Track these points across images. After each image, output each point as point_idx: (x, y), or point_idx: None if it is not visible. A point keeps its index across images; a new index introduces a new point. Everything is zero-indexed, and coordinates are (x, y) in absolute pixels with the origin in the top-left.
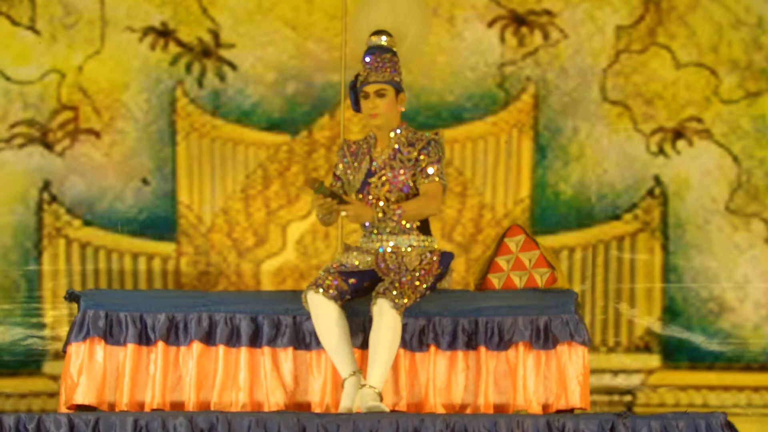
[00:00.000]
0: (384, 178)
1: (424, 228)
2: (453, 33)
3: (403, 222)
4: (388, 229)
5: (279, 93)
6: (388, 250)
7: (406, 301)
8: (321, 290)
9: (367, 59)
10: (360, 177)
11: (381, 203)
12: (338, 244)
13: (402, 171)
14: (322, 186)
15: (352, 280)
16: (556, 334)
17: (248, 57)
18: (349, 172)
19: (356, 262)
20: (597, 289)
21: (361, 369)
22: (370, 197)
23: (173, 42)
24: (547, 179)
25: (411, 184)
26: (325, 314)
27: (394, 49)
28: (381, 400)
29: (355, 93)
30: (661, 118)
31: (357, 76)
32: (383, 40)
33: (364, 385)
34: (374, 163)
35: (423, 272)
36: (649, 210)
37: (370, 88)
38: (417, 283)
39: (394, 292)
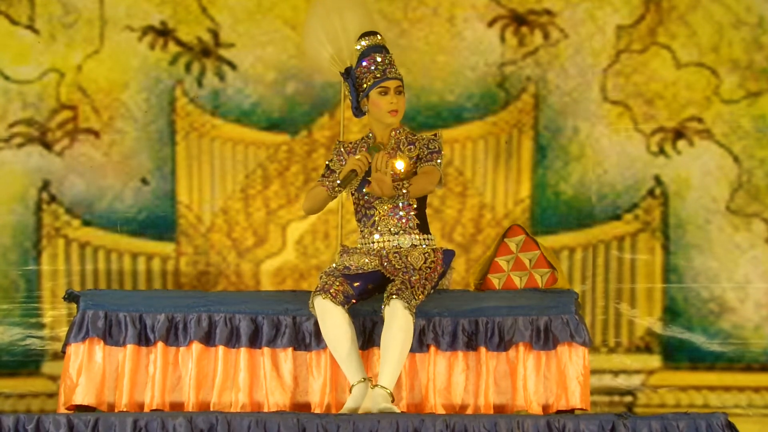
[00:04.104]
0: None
1: (424, 226)
2: (453, 33)
3: (403, 217)
4: (388, 228)
5: (279, 93)
6: (392, 250)
7: (417, 302)
8: (329, 296)
9: (375, 56)
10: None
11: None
12: (338, 245)
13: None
14: (375, 150)
15: (356, 284)
16: (556, 334)
17: (248, 56)
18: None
19: (361, 264)
20: (597, 289)
21: None
22: (369, 196)
23: (173, 41)
24: (547, 179)
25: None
26: (333, 320)
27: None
28: (393, 400)
29: (357, 92)
30: (662, 118)
31: (348, 70)
32: (379, 39)
33: (375, 386)
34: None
35: (429, 271)
36: (649, 210)
37: (391, 84)
38: (424, 282)
39: (408, 294)
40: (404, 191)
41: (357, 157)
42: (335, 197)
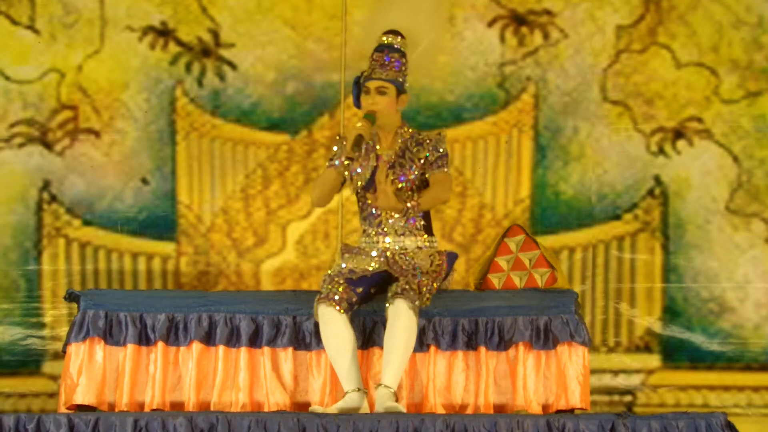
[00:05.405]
0: (393, 176)
1: (428, 227)
2: (453, 33)
3: (410, 218)
4: (394, 229)
5: (279, 93)
6: (397, 251)
7: (421, 303)
8: (333, 303)
9: (375, 56)
10: (366, 173)
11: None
12: (338, 244)
13: (412, 169)
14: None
15: (359, 289)
16: (556, 334)
17: (248, 56)
18: (350, 166)
19: (366, 267)
20: (597, 289)
21: (361, 368)
22: (379, 190)
23: (173, 41)
24: (547, 179)
25: (419, 182)
26: (336, 327)
27: (404, 50)
28: (396, 399)
29: (359, 88)
30: (662, 118)
31: (363, 72)
32: (395, 39)
33: (379, 385)
34: (380, 160)
35: (435, 274)
36: (649, 210)
37: (372, 84)
38: (431, 285)
39: (412, 294)
40: (414, 203)
41: (358, 124)
42: (344, 172)
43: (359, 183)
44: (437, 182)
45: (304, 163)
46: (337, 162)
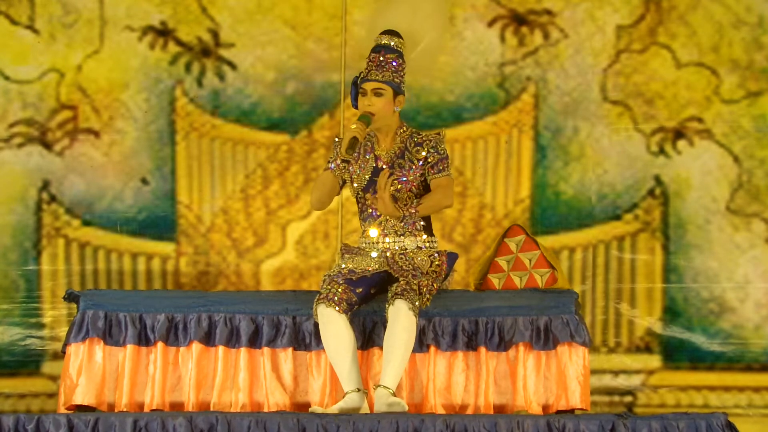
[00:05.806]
0: (393, 178)
1: (428, 228)
2: (453, 33)
3: (411, 219)
4: (394, 230)
5: (279, 93)
6: (397, 251)
7: (421, 303)
8: (333, 304)
9: (371, 56)
10: (366, 174)
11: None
12: (338, 244)
13: (412, 170)
14: (366, 119)
15: (359, 290)
16: (556, 334)
17: (248, 56)
18: (351, 168)
19: (366, 267)
20: (597, 289)
21: (361, 368)
22: (377, 195)
23: (173, 41)
24: (547, 179)
25: (418, 183)
26: (335, 328)
27: (401, 51)
28: None
29: (356, 89)
30: (662, 118)
31: (360, 73)
32: (391, 39)
33: (378, 386)
34: (380, 161)
35: (435, 275)
36: (649, 210)
37: (368, 86)
38: (431, 286)
39: (412, 294)
40: (413, 211)
41: (352, 126)
42: (340, 175)
43: (357, 186)
44: (440, 187)
45: (304, 163)
46: (332, 165)
